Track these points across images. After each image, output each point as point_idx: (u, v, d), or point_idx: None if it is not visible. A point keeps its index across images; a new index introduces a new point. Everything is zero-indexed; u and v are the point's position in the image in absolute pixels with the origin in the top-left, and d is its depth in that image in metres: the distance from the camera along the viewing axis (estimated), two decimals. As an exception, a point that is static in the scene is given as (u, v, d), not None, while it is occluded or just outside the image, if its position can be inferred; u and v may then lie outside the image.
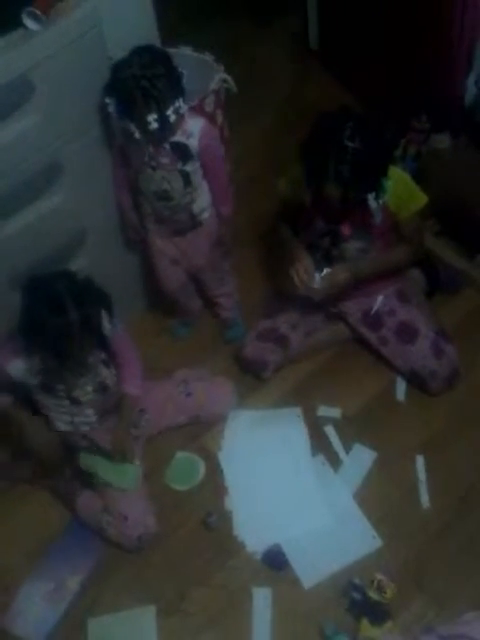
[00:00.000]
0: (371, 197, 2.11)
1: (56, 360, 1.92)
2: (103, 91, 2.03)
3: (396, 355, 2.47)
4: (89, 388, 2.11)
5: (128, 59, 1.97)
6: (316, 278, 2.26)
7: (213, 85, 2.57)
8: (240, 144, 3.06)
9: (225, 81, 2.62)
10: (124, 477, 2.15)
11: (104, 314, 1.95)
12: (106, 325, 1.99)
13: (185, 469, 2.36)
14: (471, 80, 2.86)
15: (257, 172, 3.21)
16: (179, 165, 2.16)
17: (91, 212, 2.28)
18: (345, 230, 2.24)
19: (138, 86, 1.94)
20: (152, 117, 1.97)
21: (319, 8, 3.56)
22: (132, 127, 2.00)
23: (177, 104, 2.02)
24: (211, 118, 2.60)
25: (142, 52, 1.98)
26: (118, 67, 1.97)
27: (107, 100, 2.02)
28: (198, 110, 2.50)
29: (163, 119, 1.99)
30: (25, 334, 1.90)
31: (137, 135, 2.02)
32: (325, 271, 2.27)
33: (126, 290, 2.55)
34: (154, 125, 1.99)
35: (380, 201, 2.13)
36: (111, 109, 2.02)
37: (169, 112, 1.99)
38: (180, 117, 2.06)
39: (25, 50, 1.82)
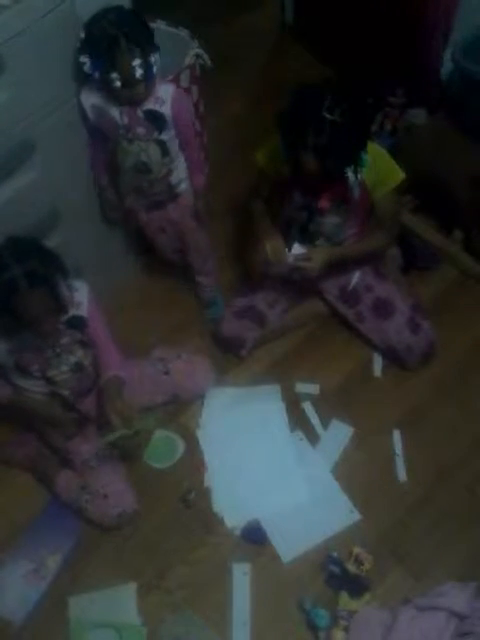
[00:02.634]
0: (350, 170, 2.10)
1: (15, 323, 1.87)
2: (77, 52, 1.99)
3: (373, 331, 2.49)
4: (64, 368, 2.10)
5: (102, 13, 1.95)
6: (287, 254, 2.25)
7: (188, 60, 2.53)
8: (216, 120, 3.04)
9: (200, 56, 2.59)
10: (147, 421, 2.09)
11: (60, 279, 1.89)
12: (63, 288, 1.92)
13: (164, 447, 2.37)
14: (447, 55, 2.86)
15: (233, 148, 3.20)
16: (155, 134, 2.15)
17: (65, 189, 2.25)
18: (323, 203, 2.23)
19: (120, 31, 1.92)
20: (137, 62, 1.95)
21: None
22: (114, 77, 1.97)
23: (156, 57, 2.01)
24: (186, 93, 2.57)
25: (114, 9, 1.97)
26: (93, 22, 1.96)
27: (82, 59, 1.98)
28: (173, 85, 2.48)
29: (147, 66, 1.98)
30: None
31: (118, 83, 1.98)
32: (299, 250, 2.26)
33: (103, 267, 2.54)
34: (139, 71, 1.97)
35: (359, 175, 2.12)
36: (87, 68, 1.99)
37: (152, 60, 1.99)
38: (155, 77, 2.06)
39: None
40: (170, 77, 2.46)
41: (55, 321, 1.95)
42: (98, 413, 2.18)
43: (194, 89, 2.64)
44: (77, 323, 2.05)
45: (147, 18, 2.07)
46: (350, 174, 2.11)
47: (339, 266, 2.37)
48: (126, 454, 2.27)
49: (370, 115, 2.43)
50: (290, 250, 2.25)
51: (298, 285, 2.52)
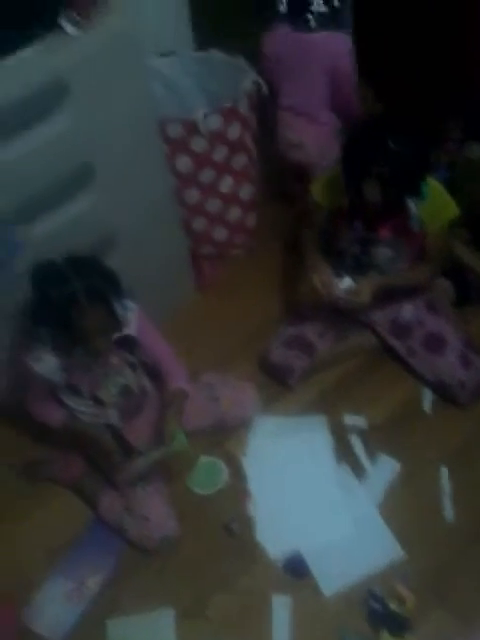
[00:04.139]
0: (411, 201, 2.11)
1: (70, 339, 1.90)
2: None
3: (423, 365, 2.46)
4: (113, 389, 2.13)
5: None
6: (337, 286, 2.26)
7: (246, 88, 2.58)
8: (271, 148, 3.05)
9: (257, 83, 2.63)
10: (178, 441, 2.07)
11: (114, 298, 1.93)
12: (118, 307, 1.96)
13: (208, 473, 2.37)
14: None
15: (287, 179, 3.21)
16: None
17: (122, 213, 2.30)
18: (383, 233, 2.24)
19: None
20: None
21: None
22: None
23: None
24: (245, 121, 2.61)
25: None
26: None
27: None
28: (232, 112, 2.52)
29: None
30: (37, 317, 1.91)
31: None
32: (348, 283, 2.27)
33: (156, 291, 2.56)
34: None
35: (419, 206, 2.14)
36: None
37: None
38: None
39: (63, 54, 1.85)
40: (228, 104, 2.50)
41: (109, 338, 1.98)
42: (157, 426, 2.20)
43: (251, 116, 2.68)
44: (127, 343, 2.08)
45: (205, 48, 2.09)
46: (411, 205, 2.12)
47: (383, 297, 2.36)
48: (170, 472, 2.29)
49: (430, 147, 2.44)
50: (340, 283, 2.26)
51: (347, 316, 2.51)
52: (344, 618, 2.01)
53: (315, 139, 2.88)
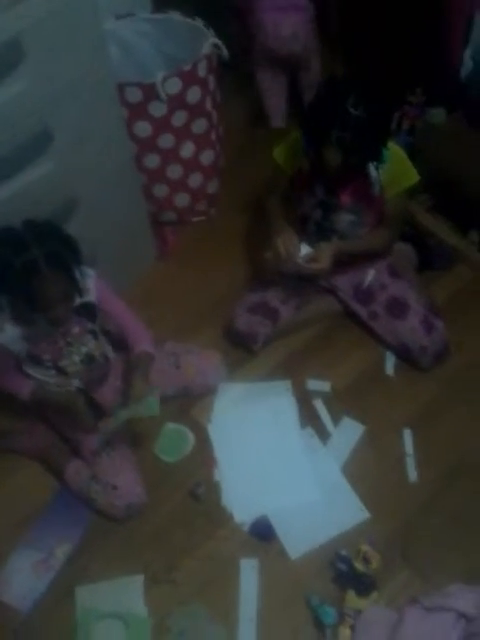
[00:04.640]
0: (372, 166, 2.11)
1: (30, 307, 1.87)
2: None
3: (386, 330, 2.48)
4: (76, 358, 2.11)
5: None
6: (300, 251, 2.26)
7: (205, 50, 2.54)
8: (232, 113, 3.03)
9: (217, 46, 2.59)
10: (148, 406, 2.07)
11: (74, 265, 1.90)
12: (77, 273, 1.93)
13: (174, 440, 2.37)
14: (468, 54, 2.84)
15: (248, 141, 3.20)
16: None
17: (82, 179, 2.25)
18: (344, 198, 2.24)
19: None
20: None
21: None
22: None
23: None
24: (204, 85, 2.57)
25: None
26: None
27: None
28: (191, 75, 2.48)
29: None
30: None
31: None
32: (306, 250, 2.27)
33: (118, 259, 2.54)
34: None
35: (379, 171, 2.13)
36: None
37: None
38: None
39: (15, 13, 1.77)
40: (187, 67, 2.46)
41: (69, 306, 1.95)
42: (124, 387, 2.20)
43: (211, 79, 2.65)
44: (87, 311, 2.06)
45: (163, 10, 2.04)
46: (372, 170, 2.11)
47: (344, 262, 2.37)
48: (136, 439, 2.29)
49: (391, 112, 2.44)
50: (300, 249, 2.26)
51: (310, 282, 2.51)
52: (311, 580, 2.04)
53: (303, 26, 3.08)
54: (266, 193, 2.51)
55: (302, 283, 2.52)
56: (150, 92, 2.45)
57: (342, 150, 2.01)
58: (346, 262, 2.38)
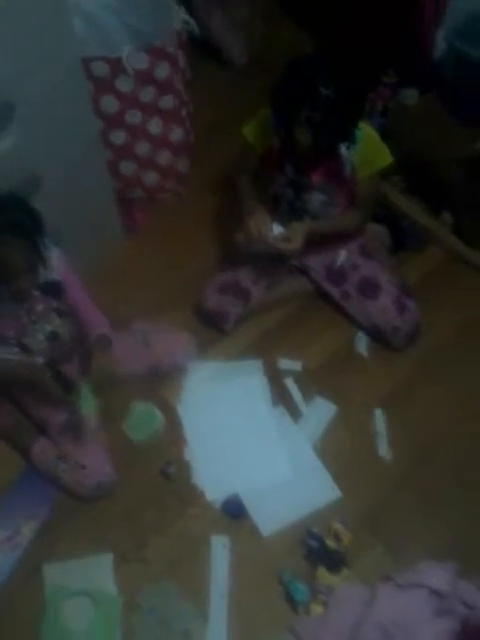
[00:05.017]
0: (343, 146, 2.08)
1: None
2: None
3: (358, 310, 2.47)
4: (40, 336, 2.07)
5: None
6: (272, 231, 2.24)
7: (174, 25, 2.49)
8: (202, 90, 2.99)
9: (187, 22, 2.55)
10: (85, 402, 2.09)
11: (38, 237, 1.89)
12: (42, 246, 1.92)
13: (143, 419, 2.33)
14: (440, 35, 2.84)
15: (218, 119, 3.16)
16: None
17: (46, 155, 2.19)
18: (315, 178, 2.22)
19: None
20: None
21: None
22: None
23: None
24: (173, 60, 2.53)
25: None
26: None
27: None
28: (159, 51, 2.44)
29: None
30: None
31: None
32: (279, 230, 2.25)
33: (85, 238, 2.49)
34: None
35: (351, 152, 2.10)
36: None
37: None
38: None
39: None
40: (156, 42, 2.41)
41: (33, 279, 1.92)
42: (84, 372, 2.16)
43: (180, 55, 2.60)
44: (52, 288, 2.03)
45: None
46: (343, 150, 2.09)
47: (316, 242, 2.34)
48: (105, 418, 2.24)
49: (364, 91, 2.42)
50: (272, 229, 2.24)
51: (282, 262, 2.50)
52: (282, 557, 2.03)
53: None
54: (237, 171, 2.47)
55: (274, 263, 2.50)
56: (116, 67, 2.40)
57: (312, 130, 1.98)
58: (318, 242, 2.36)
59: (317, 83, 1.90)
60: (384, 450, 2.26)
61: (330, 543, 2.01)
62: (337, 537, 2.02)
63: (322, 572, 1.95)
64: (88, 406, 2.08)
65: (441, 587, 1.87)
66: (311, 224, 2.30)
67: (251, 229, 2.23)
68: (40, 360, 2.11)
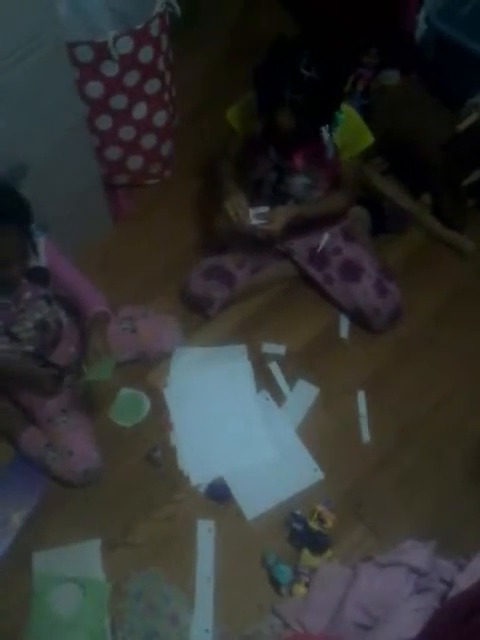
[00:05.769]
0: (325, 129, 2.09)
1: None
2: None
3: (340, 293, 2.50)
4: (29, 325, 2.07)
5: None
6: (251, 214, 2.24)
7: (157, 8, 2.47)
8: (186, 74, 2.99)
9: (169, 5, 2.53)
10: (102, 369, 2.03)
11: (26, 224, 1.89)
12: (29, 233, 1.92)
13: (130, 405, 2.36)
14: (422, 16, 2.83)
15: (202, 102, 3.16)
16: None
17: (33, 142, 2.19)
18: (297, 162, 2.22)
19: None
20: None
21: None
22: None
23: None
24: (157, 44, 2.52)
25: None
26: None
27: None
28: (143, 35, 2.43)
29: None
30: None
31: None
32: (261, 209, 2.25)
33: (71, 225, 2.49)
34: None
35: (333, 134, 2.11)
36: None
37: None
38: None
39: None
40: (139, 26, 2.40)
41: (24, 266, 1.92)
42: (79, 353, 2.18)
43: (163, 38, 2.59)
44: (39, 276, 2.03)
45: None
46: (325, 133, 2.09)
47: (300, 226, 2.36)
48: (91, 405, 2.26)
49: (345, 73, 2.41)
50: (254, 210, 2.24)
51: (266, 246, 2.51)
52: (267, 539, 2.07)
53: None
54: (219, 157, 2.47)
55: (258, 247, 2.52)
56: (102, 51, 2.39)
57: (295, 113, 1.97)
58: (302, 226, 2.37)
59: (299, 65, 1.90)
60: (366, 432, 2.30)
61: (314, 525, 2.05)
62: (321, 519, 2.06)
63: (306, 554, 2.00)
64: (104, 372, 2.02)
65: (420, 565, 1.93)
66: (295, 208, 2.31)
67: (228, 212, 2.24)
68: (29, 349, 2.13)
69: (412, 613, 1.85)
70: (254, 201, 2.30)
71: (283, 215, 2.24)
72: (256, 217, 2.24)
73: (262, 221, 2.24)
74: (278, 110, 1.99)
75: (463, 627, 0.87)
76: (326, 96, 1.99)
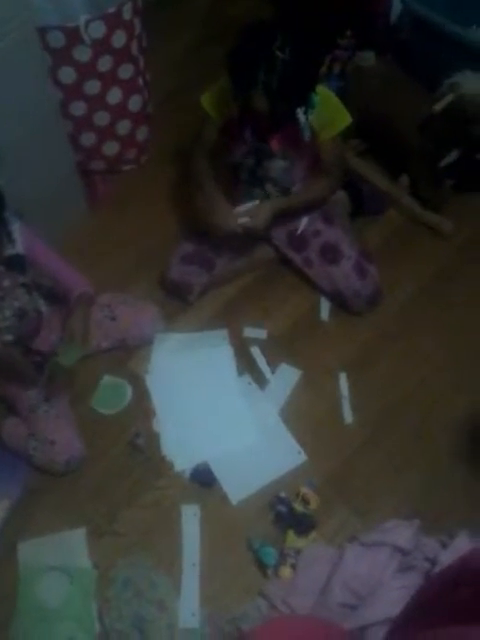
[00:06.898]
0: (300, 111, 2.07)
1: None
2: None
3: (320, 276, 2.50)
4: (8, 313, 2.06)
5: None
6: (234, 216, 2.27)
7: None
8: (161, 58, 2.96)
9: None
10: (67, 356, 2.03)
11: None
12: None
13: (112, 393, 2.36)
14: (397, -4, 2.83)
15: (177, 87, 3.14)
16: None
17: (5, 129, 2.17)
18: (274, 145, 2.21)
19: None
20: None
21: None
22: None
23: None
24: (130, 28, 2.50)
25: None
26: None
27: None
28: (115, 18, 2.40)
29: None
30: None
31: None
32: (247, 205, 2.26)
33: (47, 212, 2.46)
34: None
35: (309, 117, 2.10)
36: None
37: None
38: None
39: None
40: (111, 9, 2.38)
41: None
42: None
43: (137, 22, 2.56)
44: (16, 263, 2.01)
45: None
46: (300, 115, 2.08)
47: (285, 216, 2.37)
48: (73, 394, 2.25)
49: (320, 55, 2.40)
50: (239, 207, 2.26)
51: (247, 239, 2.51)
52: (252, 523, 2.07)
53: None
54: (193, 148, 2.44)
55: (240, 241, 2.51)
56: (73, 36, 2.36)
57: (269, 94, 1.96)
58: (285, 216, 2.38)
59: (273, 47, 1.88)
60: (348, 413, 2.31)
61: (298, 507, 2.06)
62: (305, 501, 2.07)
63: (291, 536, 2.01)
64: (69, 359, 2.02)
65: (404, 544, 1.94)
66: (280, 201, 2.32)
67: (220, 227, 2.28)
68: (9, 338, 2.11)
69: (397, 591, 1.87)
70: (233, 188, 2.29)
71: (268, 210, 2.25)
72: (243, 211, 2.26)
73: (246, 219, 2.25)
74: (253, 93, 1.98)
75: (448, 599, 0.88)
76: (300, 78, 1.98)
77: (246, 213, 2.26)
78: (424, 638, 0.86)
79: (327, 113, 2.15)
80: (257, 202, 2.29)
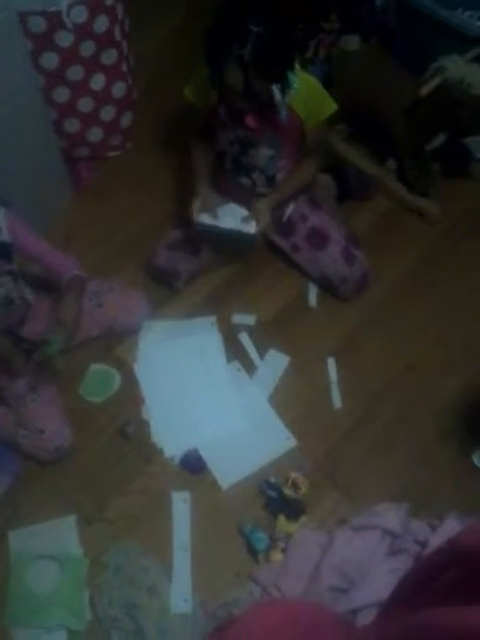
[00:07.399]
0: (276, 88, 2.04)
1: None
2: None
3: (308, 261, 2.49)
4: None
5: None
6: (217, 212, 2.28)
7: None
8: (144, 43, 2.94)
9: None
10: (51, 346, 2.01)
11: None
12: None
13: (100, 381, 2.35)
14: (381, -21, 2.82)
15: (161, 72, 3.12)
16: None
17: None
18: (249, 122, 2.17)
19: None
20: None
21: None
22: None
23: None
24: (112, 13, 2.48)
25: None
26: None
27: None
28: (97, 3, 2.38)
29: None
30: None
31: None
32: (241, 213, 2.28)
33: (32, 200, 2.45)
34: None
35: (286, 98, 2.08)
36: None
37: None
38: None
39: None
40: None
41: None
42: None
43: (119, 7, 2.54)
44: (1, 250, 1.99)
45: None
46: (276, 92, 2.05)
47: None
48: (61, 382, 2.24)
49: (292, 28, 2.37)
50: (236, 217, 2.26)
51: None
52: (242, 508, 2.08)
53: None
54: (190, 135, 2.44)
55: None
56: (55, 21, 2.34)
57: (242, 68, 1.93)
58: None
59: (246, 21, 1.87)
60: (337, 398, 2.31)
61: (288, 492, 2.07)
62: (295, 485, 2.08)
63: (281, 521, 2.01)
64: (57, 345, 2.01)
65: (394, 527, 1.95)
66: (273, 197, 2.32)
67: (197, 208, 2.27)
68: None
69: (387, 574, 1.88)
70: (220, 178, 2.27)
71: (266, 210, 2.26)
72: (242, 222, 2.27)
73: (247, 224, 2.26)
74: (227, 69, 1.96)
75: (438, 580, 0.88)
76: (275, 52, 1.95)
77: (245, 219, 2.27)
78: (415, 619, 0.86)
79: (312, 101, 2.14)
80: (246, 213, 2.29)
